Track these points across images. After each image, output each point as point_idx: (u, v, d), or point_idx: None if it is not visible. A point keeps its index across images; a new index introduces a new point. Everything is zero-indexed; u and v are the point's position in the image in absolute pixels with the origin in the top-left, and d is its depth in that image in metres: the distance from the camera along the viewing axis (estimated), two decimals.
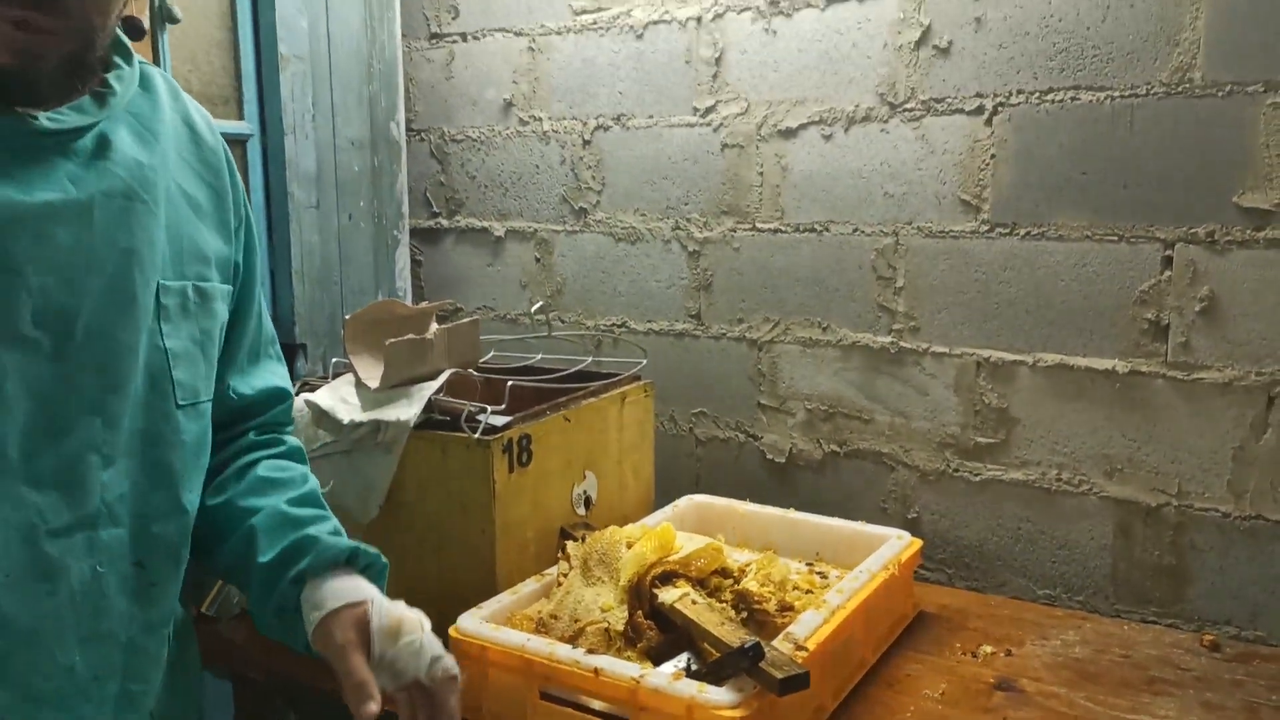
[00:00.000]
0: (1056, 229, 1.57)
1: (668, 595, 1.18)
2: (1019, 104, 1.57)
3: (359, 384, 1.39)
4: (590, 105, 1.95)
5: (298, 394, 1.43)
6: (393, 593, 0.94)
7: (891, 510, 1.77)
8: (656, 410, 1.90)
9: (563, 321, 2.05)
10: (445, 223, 2.18)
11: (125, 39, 0.90)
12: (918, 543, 1.47)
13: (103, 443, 0.84)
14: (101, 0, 0.79)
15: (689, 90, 1.85)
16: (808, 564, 1.51)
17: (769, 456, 1.88)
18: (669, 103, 1.87)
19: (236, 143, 1.75)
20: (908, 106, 1.66)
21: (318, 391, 1.39)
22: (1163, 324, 1.51)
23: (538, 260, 2.07)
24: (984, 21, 1.58)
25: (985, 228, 1.63)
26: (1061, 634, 1.41)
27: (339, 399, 1.36)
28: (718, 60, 1.81)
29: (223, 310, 0.96)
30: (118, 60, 0.88)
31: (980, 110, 1.60)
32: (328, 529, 0.97)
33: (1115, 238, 1.53)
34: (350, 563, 0.94)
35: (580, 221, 2.01)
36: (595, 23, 1.92)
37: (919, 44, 1.63)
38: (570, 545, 1.34)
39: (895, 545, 1.43)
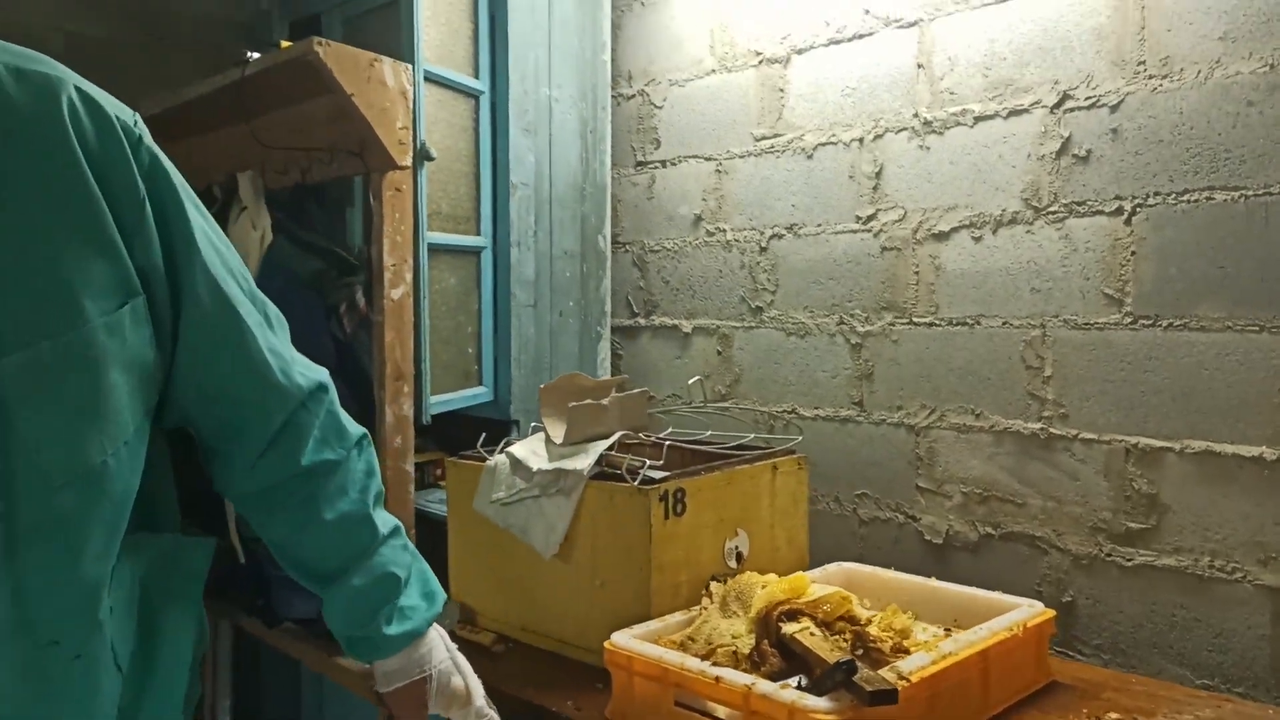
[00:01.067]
0: (1198, 320, 1.64)
1: (790, 627, 1.35)
2: (1156, 205, 1.68)
3: (548, 440, 1.68)
4: (767, 217, 2.22)
5: (501, 451, 1.74)
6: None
7: (1046, 593, 1.82)
8: (822, 491, 2.07)
9: (738, 406, 2.28)
10: (642, 321, 2.49)
11: None
12: (1050, 613, 1.53)
13: None
14: None
15: (852, 201, 2.07)
16: (945, 629, 1.61)
17: (927, 537, 1.99)
18: (835, 212, 2.10)
19: (473, 253, 2.15)
20: (1051, 210, 1.80)
21: (515, 445, 1.70)
22: None
23: (719, 353, 2.33)
24: (1120, 132, 1.71)
25: (1129, 320, 1.71)
26: (1197, 710, 1.42)
27: (531, 451, 1.66)
28: (878, 174, 2.03)
29: (121, 344, 0.82)
30: None
31: (1120, 211, 1.72)
32: (402, 603, 1.10)
33: (1256, 328, 1.58)
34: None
35: (756, 318, 2.25)
36: (772, 147, 2.20)
37: (1060, 153, 1.78)
38: (714, 584, 1.54)
39: (1025, 611, 1.51)
